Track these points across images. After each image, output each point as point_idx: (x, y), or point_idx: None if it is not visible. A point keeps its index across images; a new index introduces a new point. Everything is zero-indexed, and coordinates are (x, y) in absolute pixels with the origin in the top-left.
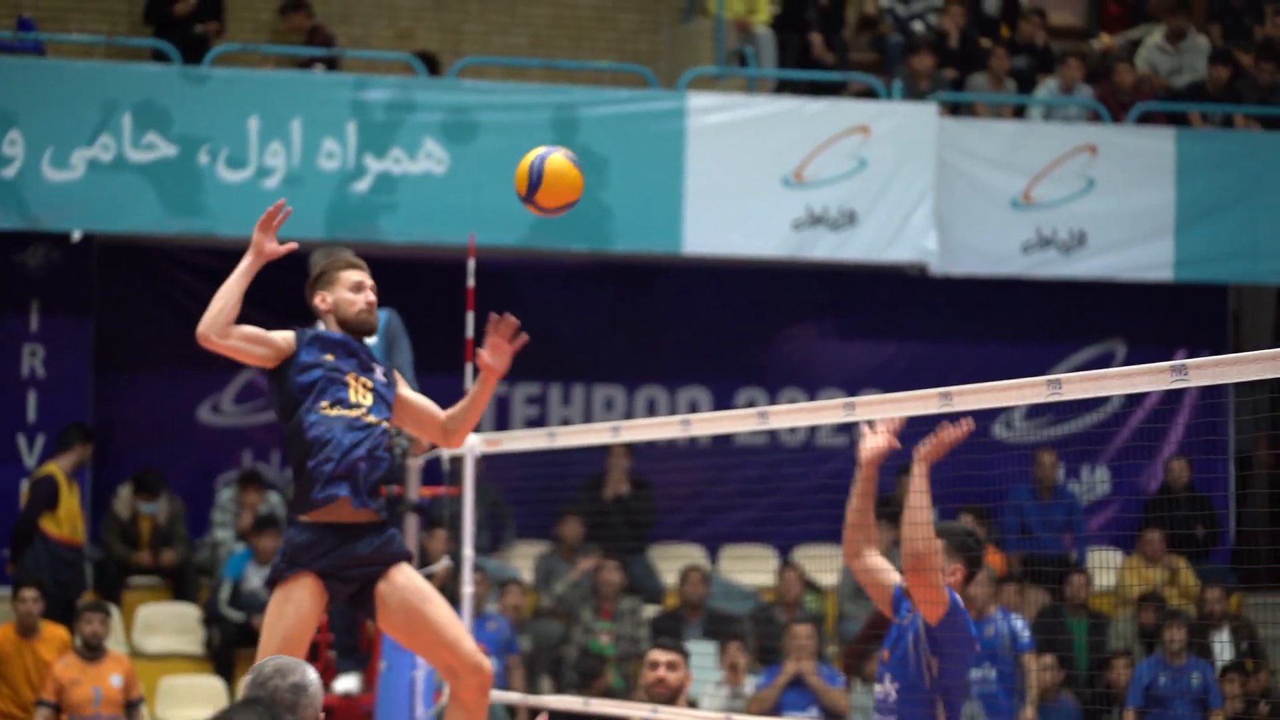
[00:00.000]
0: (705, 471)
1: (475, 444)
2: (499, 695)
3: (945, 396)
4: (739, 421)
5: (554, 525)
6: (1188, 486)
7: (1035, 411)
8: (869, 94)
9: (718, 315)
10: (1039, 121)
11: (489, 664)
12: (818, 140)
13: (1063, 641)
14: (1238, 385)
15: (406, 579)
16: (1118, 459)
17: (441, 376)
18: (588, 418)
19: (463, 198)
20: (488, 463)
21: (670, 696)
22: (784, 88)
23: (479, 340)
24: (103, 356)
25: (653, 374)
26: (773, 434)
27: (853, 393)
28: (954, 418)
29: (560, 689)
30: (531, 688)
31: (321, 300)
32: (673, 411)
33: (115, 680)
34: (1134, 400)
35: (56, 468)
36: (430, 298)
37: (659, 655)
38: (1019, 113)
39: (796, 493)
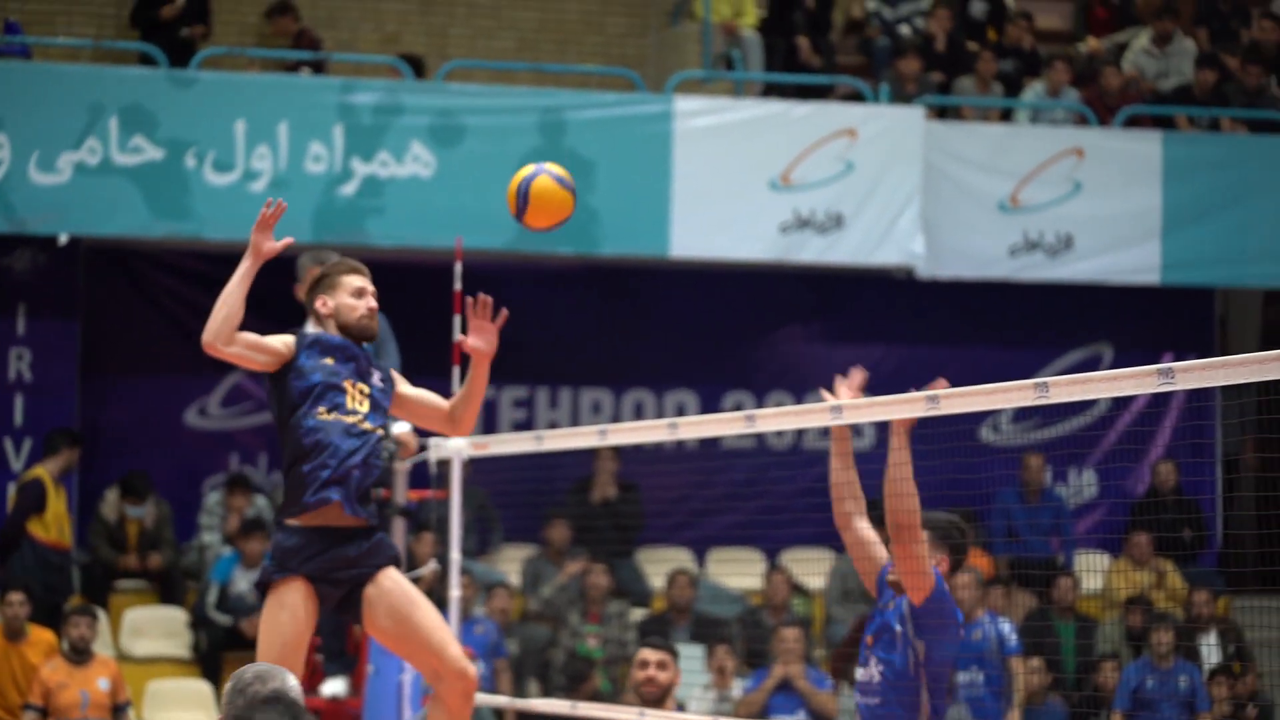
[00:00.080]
0: (693, 475)
1: (462, 447)
2: (486, 699)
3: (932, 399)
4: (726, 425)
5: (541, 528)
6: (1175, 489)
7: (1022, 414)
8: (856, 97)
9: (705, 318)
10: (1026, 125)
11: (474, 670)
12: (805, 143)
13: (1050, 644)
14: (1225, 388)
15: (394, 583)
16: (1105, 462)
17: (429, 380)
18: (575, 421)
19: (450, 201)
20: (475, 466)
21: (660, 696)
22: (771, 91)
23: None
24: (89, 360)
25: (640, 377)
26: (760, 437)
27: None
28: (941, 421)
29: (548, 692)
30: (519, 691)
31: (323, 304)
32: (660, 414)
33: (102, 684)
34: (1121, 403)
35: (44, 471)
36: (417, 301)
37: (649, 654)
38: (1006, 116)
39: (784, 496)
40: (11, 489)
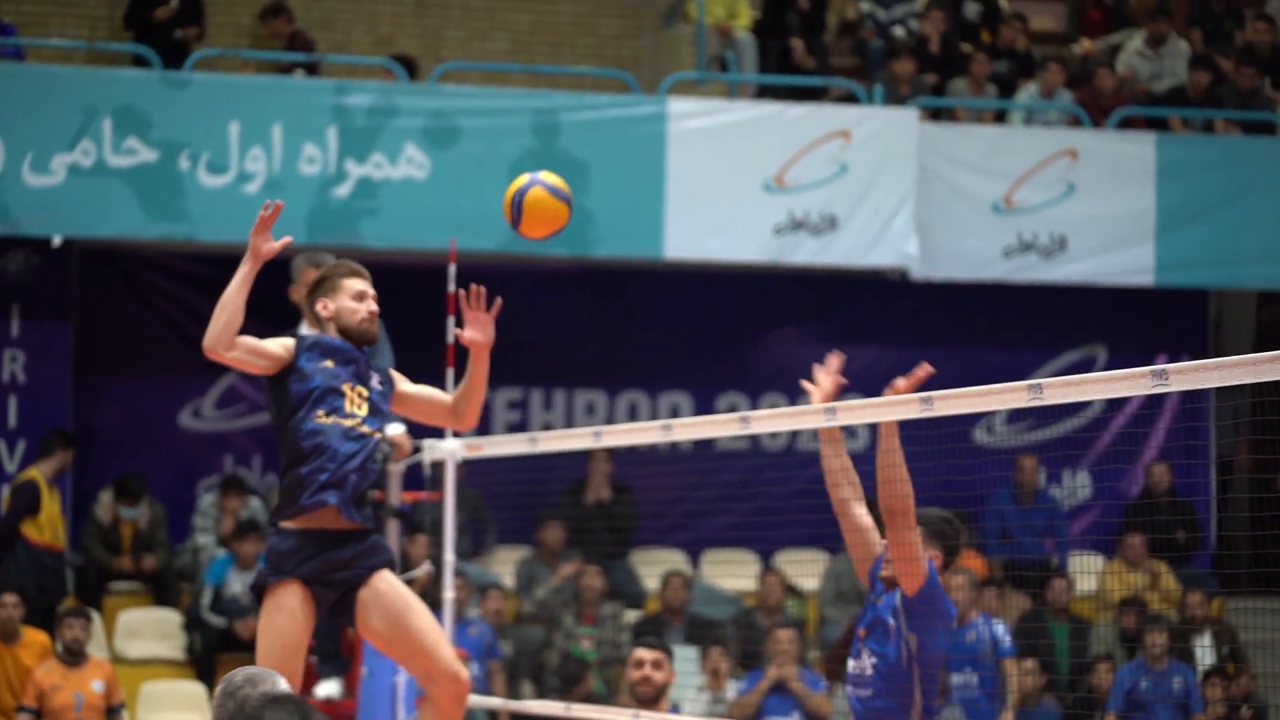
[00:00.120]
0: (687, 476)
1: (456, 449)
2: (480, 700)
3: (926, 401)
4: (720, 426)
5: (535, 530)
6: (1169, 491)
7: (1016, 416)
8: (850, 99)
9: (699, 320)
10: (1020, 126)
11: (466, 673)
12: (799, 145)
13: (1044, 646)
14: (1218, 390)
15: (388, 585)
16: (1099, 464)
17: (422, 382)
18: (569, 423)
19: (444, 202)
20: (469, 468)
21: (655, 695)
22: (765, 93)
23: (460, 345)
24: (83, 362)
25: (634, 379)
26: (754, 439)
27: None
28: (935, 423)
29: (542, 694)
30: (513, 693)
31: (323, 307)
32: (654, 416)
33: (96, 686)
34: (1115, 405)
35: (38, 473)
36: (411, 303)
37: (644, 654)
38: (1000, 118)
39: (778, 497)
40: (5, 491)
